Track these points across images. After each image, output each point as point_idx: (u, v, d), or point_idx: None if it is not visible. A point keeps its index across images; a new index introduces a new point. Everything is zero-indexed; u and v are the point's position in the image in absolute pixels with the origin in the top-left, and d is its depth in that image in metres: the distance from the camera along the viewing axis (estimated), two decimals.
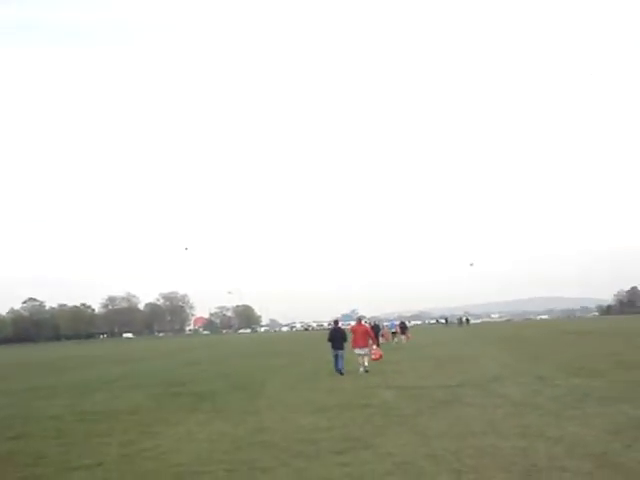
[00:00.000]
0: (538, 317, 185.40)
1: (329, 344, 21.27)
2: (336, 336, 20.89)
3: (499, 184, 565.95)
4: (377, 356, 21.63)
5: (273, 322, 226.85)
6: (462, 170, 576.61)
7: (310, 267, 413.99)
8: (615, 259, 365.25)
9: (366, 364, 20.40)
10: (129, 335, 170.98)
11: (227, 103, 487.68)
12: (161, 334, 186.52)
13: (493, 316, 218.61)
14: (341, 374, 19.92)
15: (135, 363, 34.63)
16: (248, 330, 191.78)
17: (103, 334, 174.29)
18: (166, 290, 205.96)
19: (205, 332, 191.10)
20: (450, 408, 11.70)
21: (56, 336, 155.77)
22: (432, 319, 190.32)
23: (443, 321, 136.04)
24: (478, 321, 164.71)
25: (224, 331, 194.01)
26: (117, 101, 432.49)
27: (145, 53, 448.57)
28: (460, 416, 10.69)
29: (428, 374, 18.82)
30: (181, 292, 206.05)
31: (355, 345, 20.69)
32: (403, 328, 43.00)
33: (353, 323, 23.70)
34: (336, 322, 22.69)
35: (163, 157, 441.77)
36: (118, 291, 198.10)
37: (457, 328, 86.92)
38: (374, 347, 21.70)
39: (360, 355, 20.58)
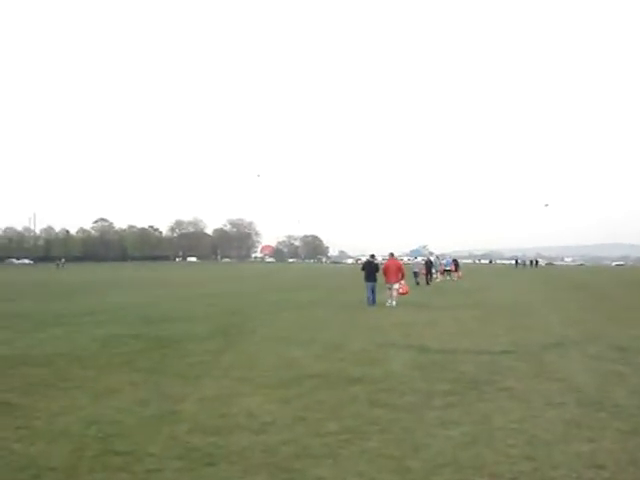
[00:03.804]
0: (613, 263, 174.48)
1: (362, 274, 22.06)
2: (369, 269, 21.68)
3: (580, 127, 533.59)
4: (403, 291, 21.56)
5: (342, 254, 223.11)
6: (541, 110, 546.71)
7: (384, 202, 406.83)
8: None
9: (394, 300, 20.84)
10: (193, 259, 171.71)
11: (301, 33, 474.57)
12: (225, 260, 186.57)
13: (566, 260, 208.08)
14: (373, 304, 20.84)
15: (154, 290, 31.89)
16: (312, 260, 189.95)
17: (177, 257, 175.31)
18: (234, 217, 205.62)
19: (269, 260, 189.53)
20: (477, 397, 7.56)
21: (123, 257, 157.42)
22: (503, 259, 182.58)
23: (513, 262, 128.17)
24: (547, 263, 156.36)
25: (290, 260, 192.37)
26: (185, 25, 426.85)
27: None
28: (487, 418, 6.55)
29: (468, 330, 14.53)
30: (248, 219, 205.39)
31: (387, 280, 21.25)
32: (456, 265, 41.51)
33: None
34: (372, 256, 23.79)
35: (237, 83, 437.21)
36: (186, 216, 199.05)
37: (523, 270, 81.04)
38: (402, 282, 21.65)
39: (390, 289, 21.12)
